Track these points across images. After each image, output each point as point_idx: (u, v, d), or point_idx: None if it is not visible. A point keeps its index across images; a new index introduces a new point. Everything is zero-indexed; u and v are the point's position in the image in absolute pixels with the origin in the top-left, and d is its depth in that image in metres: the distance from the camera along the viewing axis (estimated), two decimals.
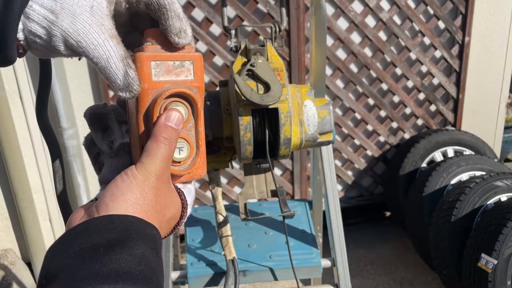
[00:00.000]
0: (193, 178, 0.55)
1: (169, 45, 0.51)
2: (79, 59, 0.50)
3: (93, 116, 0.56)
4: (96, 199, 0.52)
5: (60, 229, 2.43)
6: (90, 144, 0.58)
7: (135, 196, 0.47)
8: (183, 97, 0.51)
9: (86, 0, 0.46)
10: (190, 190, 0.56)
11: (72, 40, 0.46)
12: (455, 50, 2.79)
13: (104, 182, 0.55)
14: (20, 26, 0.45)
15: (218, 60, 2.48)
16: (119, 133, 0.56)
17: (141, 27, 0.54)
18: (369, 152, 2.91)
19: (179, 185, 0.55)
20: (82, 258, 0.41)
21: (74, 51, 0.47)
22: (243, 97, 0.99)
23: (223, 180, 2.71)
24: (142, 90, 0.49)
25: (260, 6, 2.40)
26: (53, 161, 0.59)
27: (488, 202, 2.17)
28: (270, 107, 1.01)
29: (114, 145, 0.55)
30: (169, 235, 0.54)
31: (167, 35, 0.50)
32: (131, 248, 0.42)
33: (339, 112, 2.76)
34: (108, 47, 0.47)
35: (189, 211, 0.55)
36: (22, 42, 0.47)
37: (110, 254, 0.41)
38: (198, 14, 2.36)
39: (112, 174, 0.54)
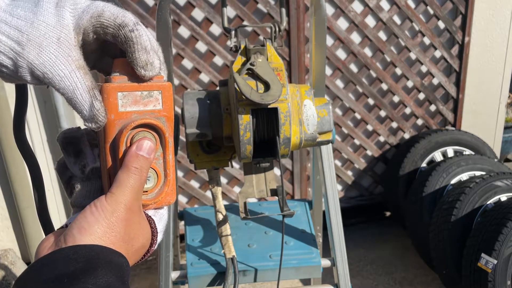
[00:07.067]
0: (161, 206, 0.55)
1: (137, 76, 0.51)
2: (48, 87, 0.50)
3: (66, 140, 0.55)
4: (66, 225, 0.52)
5: None
6: (62, 168, 0.57)
7: (102, 229, 0.47)
8: (150, 127, 0.52)
9: (53, 31, 0.46)
10: (162, 216, 0.56)
11: (38, 72, 0.46)
12: (455, 50, 2.80)
13: (76, 206, 0.55)
14: None
15: (218, 60, 2.48)
16: (91, 157, 0.55)
17: (112, 53, 0.54)
18: (369, 152, 2.91)
19: (151, 212, 0.54)
20: None
21: (41, 81, 0.47)
22: (243, 96, 0.99)
23: (223, 180, 2.71)
24: (109, 121, 0.49)
25: (260, 6, 2.40)
26: (32, 180, 0.59)
27: (488, 202, 2.17)
28: (269, 106, 1.01)
29: (86, 169, 0.55)
30: (138, 262, 0.54)
31: (133, 67, 0.50)
32: (95, 277, 0.43)
33: (339, 112, 2.76)
34: (75, 78, 0.47)
35: (159, 238, 0.55)
36: None
37: (74, 284, 0.41)
38: (198, 14, 2.37)
39: (84, 198, 0.54)
